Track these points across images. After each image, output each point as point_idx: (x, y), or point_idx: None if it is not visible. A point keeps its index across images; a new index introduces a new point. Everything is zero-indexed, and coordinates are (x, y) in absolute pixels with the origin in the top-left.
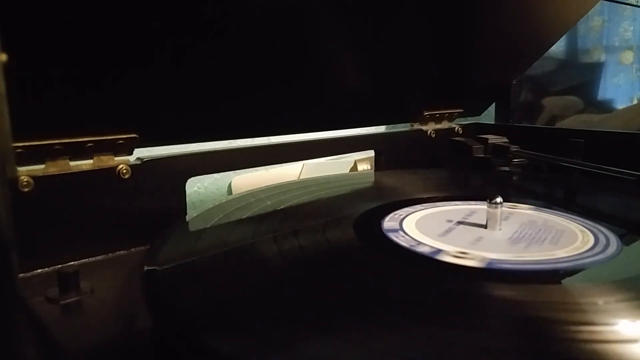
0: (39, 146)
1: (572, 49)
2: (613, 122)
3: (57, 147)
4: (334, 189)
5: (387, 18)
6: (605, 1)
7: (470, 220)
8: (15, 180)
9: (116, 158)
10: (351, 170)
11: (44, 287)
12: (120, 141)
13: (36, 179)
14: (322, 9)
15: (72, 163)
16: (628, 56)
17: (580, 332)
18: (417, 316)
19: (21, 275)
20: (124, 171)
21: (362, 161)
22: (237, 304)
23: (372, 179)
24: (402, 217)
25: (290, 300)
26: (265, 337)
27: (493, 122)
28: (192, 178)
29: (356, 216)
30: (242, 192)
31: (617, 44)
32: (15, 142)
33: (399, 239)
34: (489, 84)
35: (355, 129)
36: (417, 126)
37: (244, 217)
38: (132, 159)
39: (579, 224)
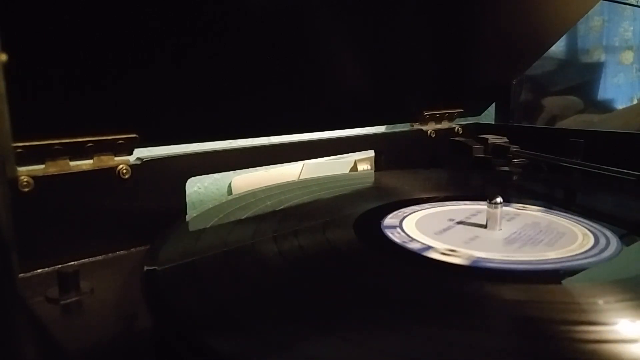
0: (39, 146)
1: (572, 49)
2: (613, 122)
3: (57, 147)
4: (334, 189)
5: (387, 18)
6: (605, 1)
7: (473, 220)
8: (15, 180)
9: (116, 158)
10: (351, 170)
11: (44, 287)
12: (120, 141)
13: (36, 179)
14: (322, 9)
15: (72, 163)
16: (628, 56)
17: (569, 332)
18: (417, 316)
19: (21, 275)
20: (124, 171)
21: (362, 161)
22: (237, 304)
23: (372, 179)
24: (405, 214)
25: (290, 300)
26: (265, 337)
27: (493, 122)
28: (192, 178)
29: (356, 216)
30: (242, 192)
31: (617, 44)
32: (15, 142)
33: (394, 235)
34: (489, 84)
35: (355, 129)
36: (417, 126)
37: (243, 217)
38: (132, 159)
39: (584, 226)
